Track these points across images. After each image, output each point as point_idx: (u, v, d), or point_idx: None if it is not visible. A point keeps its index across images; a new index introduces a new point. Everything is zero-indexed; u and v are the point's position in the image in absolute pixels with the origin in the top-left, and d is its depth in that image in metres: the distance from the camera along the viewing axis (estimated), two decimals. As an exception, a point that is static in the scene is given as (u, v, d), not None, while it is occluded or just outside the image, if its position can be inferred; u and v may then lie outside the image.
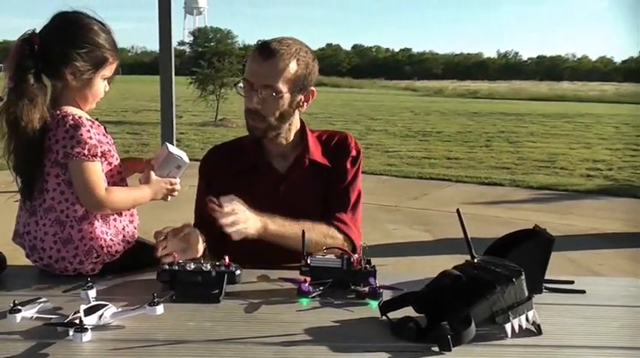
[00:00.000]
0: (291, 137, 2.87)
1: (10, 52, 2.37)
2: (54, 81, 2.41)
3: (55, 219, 2.36)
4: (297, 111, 2.83)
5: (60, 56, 2.36)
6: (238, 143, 3.02)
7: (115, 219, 2.44)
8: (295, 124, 2.87)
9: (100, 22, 2.46)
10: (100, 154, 2.36)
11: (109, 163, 2.43)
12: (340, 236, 2.78)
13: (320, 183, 2.86)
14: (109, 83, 2.53)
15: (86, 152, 2.32)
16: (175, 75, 11.80)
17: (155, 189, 2.48)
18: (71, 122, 2.34)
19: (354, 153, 2.94)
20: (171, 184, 2.51)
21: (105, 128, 2.50)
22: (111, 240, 2.41)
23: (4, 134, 2.36)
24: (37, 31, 2.39)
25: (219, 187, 2.57)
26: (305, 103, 2.83)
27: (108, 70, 2.47)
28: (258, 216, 2.59)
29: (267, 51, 2.68)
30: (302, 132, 2.91)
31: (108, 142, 2.43)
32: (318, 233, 2.69)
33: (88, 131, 2.35)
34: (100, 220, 2.40)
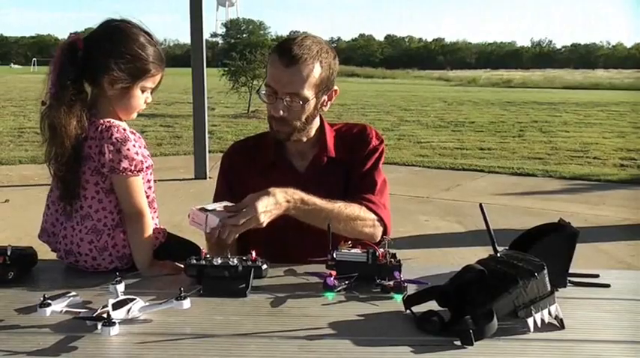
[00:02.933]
0: (312, 134, 2.84)
1: (55, 55, 2.39)
2: (93, 88, 2.43)
3: (92, 227, 2.40)
4: (319, 112, 2.81)
5: (99, 64, 2.37)
6: (259, 140, 2.99)
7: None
8: (316, 122, 2.84)
9: (147, 34, 2.45)
10: (144, 169, 2.41)
11: (146, 174, 2.46)
12: (372, 216, 2.72)
13: (340, 180, 2.83)
14: (151, 93, 2.52)
15: (133, 168, 2.36)
16: (208, 67, 11.85)
17: (156, 266, 2.46)
18: (117, 135, 2.36)
19: (374, 142, 2.89)
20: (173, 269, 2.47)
21: None
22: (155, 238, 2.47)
23: (45, 139, 2.39)
24: (83, 33, 2.43)
25: (239, 186, 2.55)
26: (328, 102, 2.80)
27: (150, 82, 2.46)
28: (289, 199, 2.53)
29: (288, 56, 2.61)
30: (320, 128, 2.88)
31: (148, 156, 2.45)
32: (351, 214, 2.65)
33: (134, 146, 2.38)
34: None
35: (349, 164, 2.85)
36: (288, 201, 2.52)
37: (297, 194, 2.56)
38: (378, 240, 2.70)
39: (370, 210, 2.73)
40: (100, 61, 2.37)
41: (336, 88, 2.82)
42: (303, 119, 2.72)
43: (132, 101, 2.45)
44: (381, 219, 2.75)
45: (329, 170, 2.84)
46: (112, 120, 2.40)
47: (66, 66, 2.35)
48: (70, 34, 2.41)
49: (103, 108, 2.43)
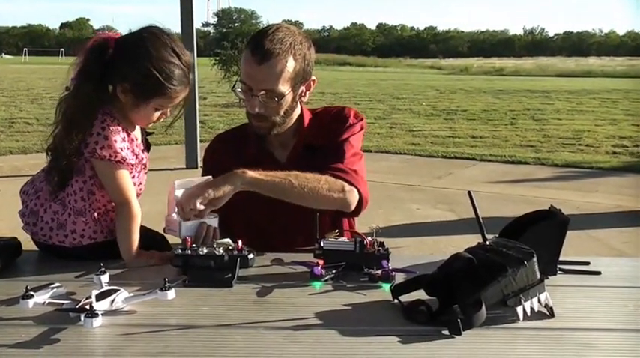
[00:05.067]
0: (291, 123, 2.79)
1: (83, 48, 2.40)
2: (113, 88, 2.41)
3: (61, 199, 2.41)
4: (299, 102, 2.77)
5: (119, 70, 2.36)
6: (242, 131, 2.94)
7: (110, 217, 2.47)
8: (296, 111, 2.80)
9: (176, 52, 2.38)
10: (125, 164, 2.38)
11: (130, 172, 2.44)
12: (339, 182, 2.62)
13: (322, 165, 2.72)
14: (170, 112, 2.49)
15: (112, 158, 2.34)
16: (199, 56, 11.84)
17: (143, 256, 2.43)
18: (111, 126, 2.35)
19: (351, 120, 2.82)
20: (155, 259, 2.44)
21: (148, 147, 2.57)
22: (105, 237, 2.46)
23: (57, 122, 2.40)
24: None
25: None
26: (307, 92, 2.76)
27: (166, 102, 2.42)
28: (234, 172, 2.48)
29: (260, 53, 2.56)
30: (300, 116, 2.84)
31: (132, 159, 2.42)
32: (310, 180, 2.56)
33: (122, 141, 2.37)
34: (94, 220, 2.43)
35: (327, 147, 2.78)
36: (233, 173, 2.48)
37: (244, 169, 2.50)
38: (354, 208, 2.66)
39: (337, 177, 2.64)
40: (120, 67, 2.36)
41: (313, 77, 2.77)
42: (282, 113, 2.68)
43: (143, 114, 2.43)
44: (352, 185, 2.66)
45: (309, 157, 2.77)
46: (114, 114, 2.39)
47: (90, 62, 2.36)
48: (104, 33, 2.43)
49: (115, 107, 2.41)
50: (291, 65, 2.60)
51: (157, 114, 2.45)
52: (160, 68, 2.34)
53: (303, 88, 2.72)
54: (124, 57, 2.35)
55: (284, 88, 2.61)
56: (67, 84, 2.40)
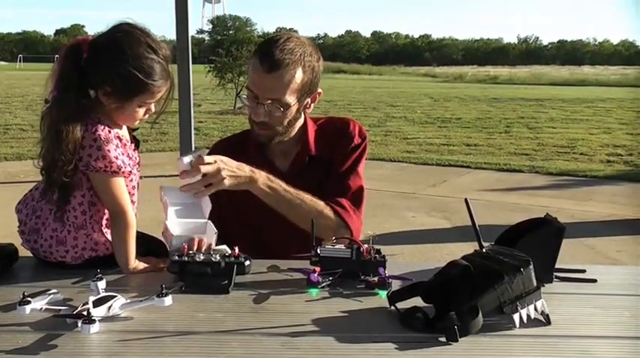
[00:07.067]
0: (294, 133, 2.78)
1: (58, 56, 2.37)
2: (94, 92, 2.36)
3: (59, 215, 2.37)
4: (303, 113, 2.77)
5: (100, 73, 2.32)
6: (242, 138, 2.94)
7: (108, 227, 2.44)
8: (299, 121, 2.78)
9: (152, 47, 2.35)
10: (121, 173, 2.35)
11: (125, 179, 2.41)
12: (334, 218, 2.65)
13: (322, 177, 2.76)
14: (154, 107, 2.45)
15: (108, 169, 2.31)
16: (194, 63, 11.82)
17: (139, 264, 2.41)
18: (101, 134, 2.31)
19: (357, 140, 2.82)
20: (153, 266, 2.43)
21: (137, 144, 2.52)
22: (106, 249, 2.43)
23: (43, 138, 2.34)
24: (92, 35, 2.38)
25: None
26: (312, 104, 2.75)
27: (149, 99, 2.38)
28: (255, 170, 2.50)
29: (270, 62, 2.54)
30: (303, 125, 2.82)
31: (129, 164, 2.40)
32: (312, 207, 2.59)
33: (115, 149, 2.33)
34: (97, 231, 2.41)
35: (330, 161, 2.79)
36: (252, 171, 2.48)
37: (264, 172, 2.52)
38: None
39: (336, 213, 2.66)
40: (100, 70, 2.32)
41: (319, 90, 2.75)
42: (285, 123, 2.67)
43: (128, 114, 2.40)
44: (346, 226, 2.67)
45: (311, 168, 2.78)
46: (101, 122, 2.35)
47: (68, 71, 2.32)
48: (77, 38, 2.38)
49: (99, 111, 2.37)
50: (299, 76, 2.59)
51: (142, 111, 2.41)
52: (139, 67, 2.31)
53: (308, 99, 2.71)
54: (101, 60, 2.31)
55: (290, 98, 2.60)
56: (45, 96, 2.36)
